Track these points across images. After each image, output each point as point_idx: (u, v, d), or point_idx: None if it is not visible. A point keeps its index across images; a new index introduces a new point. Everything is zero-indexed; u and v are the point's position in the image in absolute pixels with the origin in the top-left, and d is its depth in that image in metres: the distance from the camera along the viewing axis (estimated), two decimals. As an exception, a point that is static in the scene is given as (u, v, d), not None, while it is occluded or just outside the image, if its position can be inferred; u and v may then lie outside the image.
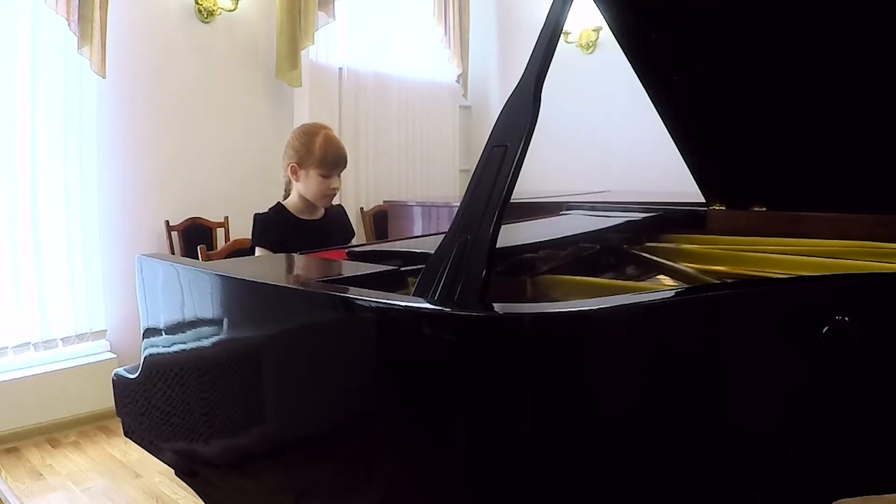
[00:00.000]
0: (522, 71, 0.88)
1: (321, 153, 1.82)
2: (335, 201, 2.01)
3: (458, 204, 0.86)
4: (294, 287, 0.94)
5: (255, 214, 1.93)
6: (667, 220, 1.76)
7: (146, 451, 1.28)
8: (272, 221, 1.88)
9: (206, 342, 1.06)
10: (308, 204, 1.90)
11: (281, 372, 0.95)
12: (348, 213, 2.17)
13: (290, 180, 1.90)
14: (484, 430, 0.73)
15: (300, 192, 1.89)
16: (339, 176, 1.88)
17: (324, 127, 1.89)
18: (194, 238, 3.20)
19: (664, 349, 0.76)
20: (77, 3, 2.71)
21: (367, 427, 0.84)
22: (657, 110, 1.58)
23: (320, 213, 1.94)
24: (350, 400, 0.86)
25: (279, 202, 1.96)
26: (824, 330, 0.77)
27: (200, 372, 1.08)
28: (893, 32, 1.21)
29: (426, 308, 0.76)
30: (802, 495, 0.82)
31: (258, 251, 1.84)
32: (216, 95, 3.46)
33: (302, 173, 1.85)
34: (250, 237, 1.89)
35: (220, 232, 3.42)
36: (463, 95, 4.68)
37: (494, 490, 0.73)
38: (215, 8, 3.37)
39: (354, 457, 0.85)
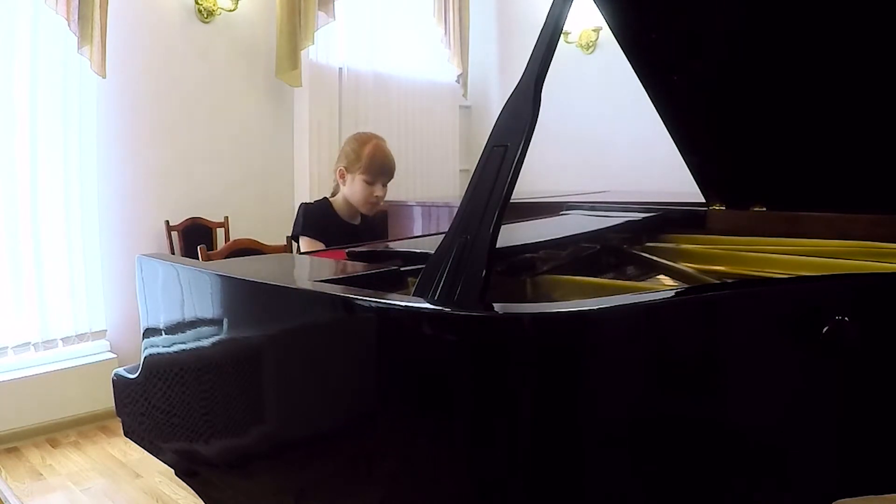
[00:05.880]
0: (522, 71, 0.88)
1: (368, 159, 1.92)
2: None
3: (458, 204, 0.86)
4: (294, 287, 0.94)
5: (302, 204, 2.03)
6: (667, 220, 1.76)
7: (146, 451, 1.28)
8: (318, 213, 1.98)
9: (206, 342, 1.06)
10: (351, 208, 1.99)
11: (281, 372, 0.95)
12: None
13: (338, 184, 1.99)
14: (484, 429, 0.73)
15: (346, 195, 1.98)
16: (383, 185, 1.96)
17: (377, 137, 2.00)
18: (194, 238, 3.20)
19: (664, 349, 0.76)
20: (77, 3, 2.72)
21: (367, 427, 0.84)
22: (657, 110, 1.58)
23: (358, 219, 2.03)
24: (350, 400, 0.86)
25: (325, 197, 2.05)
26: (824, 330, 0.77)
27: (200, 372, 1.08)
28: (893, 32, 1.22)
29: (426, 308, 0.76)
30: (802, 495, 0.82)
31: (303, 240, 1.91)
32: (216, 95, 3.46)
33: (349, 177, 1.95)
34: (293, 226, 1.97)
35: (220, 232, 3.42)
36: (463, 95, 4.68)
37: (494, 490, 0.73)
38: (215, 8, 3.38)
39: (354, 457, 0.85)
